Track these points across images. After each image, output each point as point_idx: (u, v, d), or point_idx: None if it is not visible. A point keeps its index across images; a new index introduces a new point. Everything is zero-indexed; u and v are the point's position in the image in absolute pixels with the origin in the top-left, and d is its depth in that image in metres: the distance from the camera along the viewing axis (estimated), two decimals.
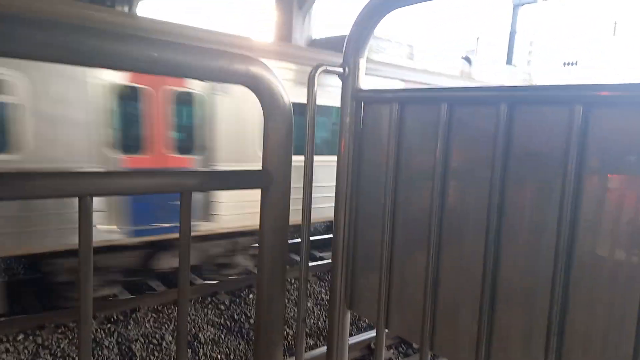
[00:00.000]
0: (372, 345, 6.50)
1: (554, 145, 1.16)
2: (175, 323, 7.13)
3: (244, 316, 7.57)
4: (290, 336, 6.95)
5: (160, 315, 7.39)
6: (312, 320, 7.62)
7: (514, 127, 1.25)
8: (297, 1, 13.98)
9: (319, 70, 1.62)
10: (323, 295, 8.61)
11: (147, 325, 7.06)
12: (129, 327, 6.92)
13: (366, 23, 1.63)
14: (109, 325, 6.90)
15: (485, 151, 1.31)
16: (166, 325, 7.09)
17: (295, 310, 7.75)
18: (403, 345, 6.86)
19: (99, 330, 6.74)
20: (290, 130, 1.56)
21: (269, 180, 1.53)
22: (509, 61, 22.87)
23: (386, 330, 1.67)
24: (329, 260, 9.74)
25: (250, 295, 8.34)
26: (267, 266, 1.61)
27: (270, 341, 1.63)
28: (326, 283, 9.17)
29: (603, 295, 1.11)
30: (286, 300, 8.05)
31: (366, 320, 7.61)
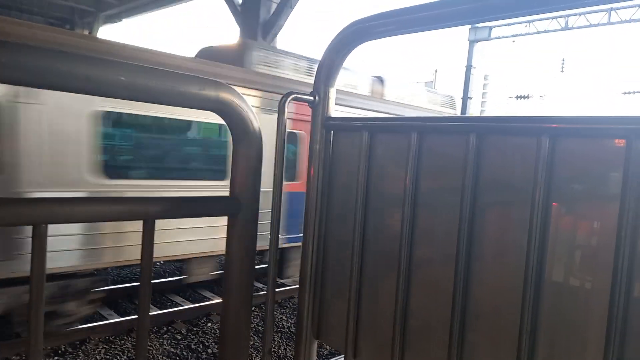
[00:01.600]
0: None
1: (521, 173, 1.20)
2: (129, 354, 6.79)
3: (201, 345, 7.31)
4: None
5: (112, 346, 7.02)
6: (281, 346, 7.44)
7: (483, 156, 1.28)
8: (261, 32, 14.16)
9: (290, 97, 1.62)
10: (284, 323, 8.45)
11: (97, 357, 6.68)
12: None
13: (337, 53, 1.65)
14: (56, 358, 6.49)
15: (455, 179, 1.34)
16: (118, 357, 6.74)
17: (256, 339, 7.56)
18: None
19: None
20: (260, 157, 1.54)
21: (237, 208, 1.49)
22: (465, 93, 23.80)
23: None
24: (290, 287, 9.62)
25: (209, 324, 8.08)
26: (233, 295, 1.56)
27: None
28: (287, 310, 9.02)
29: (571, 319, 1.14)
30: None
31: (328, 347, 7.51)
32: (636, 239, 1.04)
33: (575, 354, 1.14)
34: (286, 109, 1.62)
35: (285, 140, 1.64)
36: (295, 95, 1.64)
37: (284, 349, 7.41)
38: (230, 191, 1.52)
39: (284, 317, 8.70)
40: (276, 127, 1.65)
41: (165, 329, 7.72)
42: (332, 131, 1.71)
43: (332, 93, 1.71)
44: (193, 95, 1.36)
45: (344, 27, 1.63)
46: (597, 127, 1.07)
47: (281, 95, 1.63)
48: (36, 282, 1.15)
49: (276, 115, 1.63)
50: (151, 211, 1.33)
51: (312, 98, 1.68)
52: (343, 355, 1.67)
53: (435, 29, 1.50)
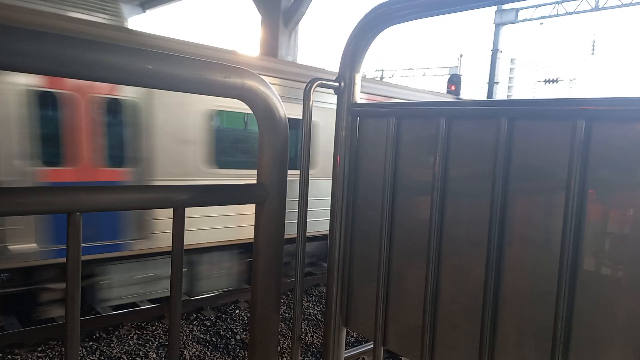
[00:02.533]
0: (366, 358, 6.43)
1: (555, 159, 1.16)
2: (160, 340, 6.97)
3: (230, 332, 7.44)
4: (281, 348, 6.83)
5: (144, 332, 7.22)
6: (308, 334, 7.52)
7: (515, 141, 1.24)
8: (282, 19, 14.09)
9: (315, 84, 1.60)
10: (310, 311, 8.52)
11: (130, 342, 6.88)
12: (112, 345, 6.74)
13: (361, 38, 1.63)
14: (90, 343, 6.72)
15: (485, 165, 1.31)
16: (150, 342, 6.93)
17: (283, 326, 7.65)
18: (399, 357, 6.80)
19: (80, 348, 6.55)
20: (286, 144, 1.53)
21: (265, 195, 1.50)
22: (491, 78, 23.28)
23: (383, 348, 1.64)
24: (316, 275, 9.67)
25: (237, 311, 8.21)
26: (261, 282, 1.57)
27: (265, 357, 1.59)
28: (313, 298, 9.09)
29: (608, 311, 1.10)
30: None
31: (354, 334, 7.54)
32: None
33: (613, 345, 1.11)
34: (312, 96, 1.61)
35: (311, 128, 1.63)
36: (320, 81, 1.62)
37: (311, 335, 7.48)
38: (257, 179, 1.52)
39: (310, 305, 8.77)
40: (302, 114, 1.64)
41: (194, 315, 7.89)
42: (357, 118, 1.70)
43: (358, 79, 1.69)
44: (219, 83, 1.36)
45: (368, 10, 1.60)
46: (636, 108, 1.02)
47: None
48: (72, 269, 1.17)
49: None
50: (180, 199, 1.34)
51: (337, 84, 1.66)
52: (372, 343, 1.67)
53: (461, 10, 1.46)
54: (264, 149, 1.51)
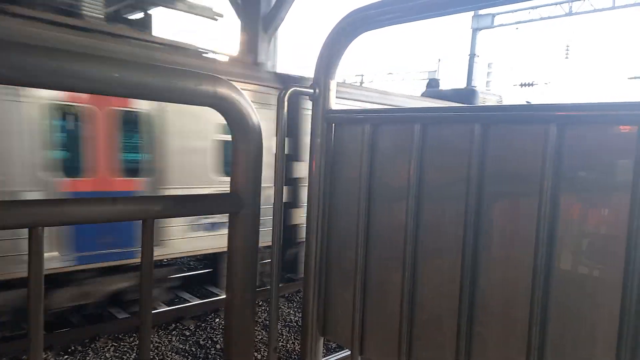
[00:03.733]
0: None
1: (529, 163, 1.16)
2: (138, 352, 6.82)
3: (210, 341, 7.33)
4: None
5: (122, 343, 7.06)
6: (280, 343, 7.45)
7: (489, 146, 1.24)
8: (262, 25, 14.06)
9: (289, 91, 1.58)
10: (292, 317, 8.46)
11: (107, 354, 6.72)
12: (88, 358, 6.57)
13: (336, 44, 1.61)
14: (66, 357, 6.54)
15: (460, 170, 1.30)
16: (127, 354, 6.78)
17: (264, 333, 7.57)
18: None
19: None
20: (260, 153, 1.51)
21: (239, 205, 1.47)
22: (469, 82, 23.62)
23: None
24: (297, 281, 9.61)
25: (217, 320, 8.10)
26: (237, 292, 1.54)
27: None
28: (295, 304, 9.03)
29: (581, 311, 1.11)
30: (257, 323, 7.86)
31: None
32: None
33: (587, 345, 1.12)
34: (286, 103, 1.58)
35: (285, 134, 1.61)
36: (295, 88, 1.60)
37: (292, 343, 7.42)
38: (231, 188, 1.49)
39: (291, 312, 8.71)
40: (276, 121, 1.62)
41: (173, 325, 7.75)
42: (333, 124, 1.68)
43: (333, 85, 1.67)
44: (190, 91, 1.33)
45: (342, 17, 1.59)
46: (606, 113, 1.03)
47: None
48: (34, 285, 1.12)
49: None
50: (151, 211, 1.30)
51: (312, 91, 1.64)
52: (349, 351, 1.65)
53: (437, 16, 1.46)
54: (237, 158, 1.48)
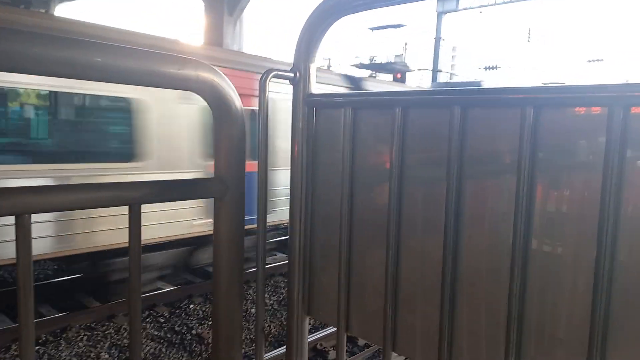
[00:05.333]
0: (319, 345, 6.51)
1: (507, 144, 1.22)
2: (112, 339, 6.75)
3: (185, 327, 7.32)
4: (247, 341, 6.79)
5: (94, 332, 6.96)
6: (266, 324, 7.51)
7: (468, 128, 1.29)
8: (227, 7, 13.76)
9: (270, 75, 1.59)
10: (267, 301, 8.52)
11: (80, 344, 6.62)
12: (60, 348, 6.46)
13: (316, 27, 1.62)
14: (37, 347, 6.41)
15: (440, 152, 1.35)
16: (101, 343, 6.69)
17: (251, 313, 7.61)
18: (356, 341, 6.92)
19: None
20: (243, 137, 1.52)
21: (223, 189, 1.48)
22: (435, 66, 23.91)
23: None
24: (284, 262, 9.66)
25: (192, 306, 8.08)
26: (224, 277, 1.56)
27: (230, 353, 1.58)
28: (269, 288, 9.08)
29: (557, 287, 1.18)
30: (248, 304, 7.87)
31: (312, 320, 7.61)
32: (619, 204, 1.07)
33: (564, 314, 1.19)
34: (267, 87, 1.59)
35: (267, 119, 1.62)
36: (275, 72, 1.61)
37: (269, 325, 7.49)
38: (215, 172, 1.50)
39: (267, 295, 8.77)
40: (258, 106, 1.62)
41: (147, 312, 7.69)
42: (314, 108, 1.70)
43: (313, 69, 1.69)
44: (171, 75, 1.32)
45: (322, 0, 1.60)
46: (580, 96, 1.09)
47: None
48: (23, 274, 1.11)
49: None
50: (136, 196, 1.30)
51: (292, 75, 1.65)
52: (333, 328, 1.69)
53: (414, 0, 1.50)
54: (220, 142, 1.49)
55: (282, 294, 8.76)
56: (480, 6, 23.00)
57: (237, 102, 1.48)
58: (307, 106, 1.70)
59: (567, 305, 1.17)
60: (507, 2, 22.18)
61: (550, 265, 1.19)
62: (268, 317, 7.81)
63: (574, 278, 1.16)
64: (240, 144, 1.51)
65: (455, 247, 1.34)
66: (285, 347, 1.85)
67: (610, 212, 1.07)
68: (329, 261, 1.70)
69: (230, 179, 1.49)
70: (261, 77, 1.58)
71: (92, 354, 6.40)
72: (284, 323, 7.43)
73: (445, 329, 1.38)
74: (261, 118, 1.61)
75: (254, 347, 6.17)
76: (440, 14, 24.18)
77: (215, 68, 1.43)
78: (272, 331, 7.37)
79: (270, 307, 8.20)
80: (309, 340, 5.70)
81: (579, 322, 1.15)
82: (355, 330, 1.64)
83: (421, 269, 1.45)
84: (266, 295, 8.76)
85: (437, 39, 24.48)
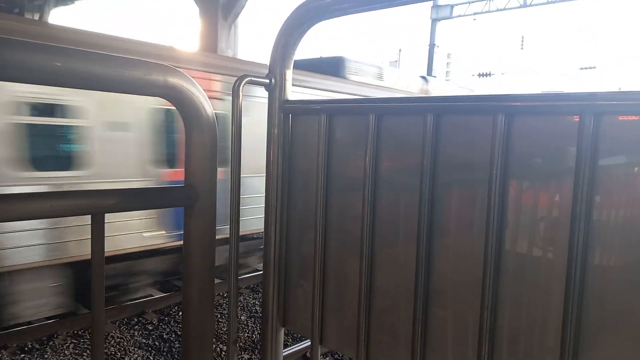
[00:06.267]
0: (308, 355, 6.44)
1: (479, 152, 1.20)
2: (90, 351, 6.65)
3: (174, 335, 7.23)
4: (222, 352, 6.73)
5: (81, 340, 6.87)
6: (246, 334, 7.43)
7: (441, 136, 1.27)
8: (221, 12, 13.74)
9: (244, 81, 1.56)
10: (257, 308, 8.45)
11: (66, 352, 6.53)
12: (46, 356, 6.37)
13: (292, 33, 1.60)
14: (22, 356, 6.31)
15: (414, 159, 1.32)
16: (88, 351, 6.60)
17: (227, 324, 7.52)
18: (339, 353, 6.87)
19: None
20: (215, 143, 1.48)
21: (194, 197, 1.44)
22: (429, 72, 23.99)
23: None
24: (260, 272, 9.58)
25: (181, 313, 7.99)
26: (194, 286, 1.52)
27: None
28: (259, 295, 9.01)
29: (530, 292, 1.16)
30: (217, 315, 7.80)
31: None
32: (591, 211, 1.05)
33: (537, 321, 1.16)
34: (241, 93, 1.56)
35: (241, 125, 1.59)
36: (250, 78, 1.58)
37: (259, 333, 7.41)
38: (186, 180, 1.46)
39: (257, 302, 8.70)
40: (231, 111, 1.59)
41: (136, 320, 7.60)
42: (290, 114, 1.67)
43: (289, 75, 1.66)
44: (139, 80, 1.29)
45: (298, 5, 1.57)
46: (550, 104, 1.07)
47: None
48: None
49: None
50: (101, 205, 1.26)
51: (267, 81, 1.63)
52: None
53: (394, 6, 1.47)
54: (191, 149, 1.45)
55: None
56: (475, 13, 23.15)
57: (208, 107, 1.45)
58: (283, 112, 1.67)
59: (539, 313, 1.15)
60: (501, 10, 22.34)
61: (523, 273, 1.17)
62: (257, 325, 7.74)
63: (547, 285, 1.13)
64: (212, 150, 1.48)
65: (428, 256, 1.32)
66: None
67: (581, 218, 1.05)
68: (304, 271, 1.67)
69: (201, 187, 1.46)
70: (235, 83, 1.55)
71: None
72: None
73: (418, 338, 1.34)
74: (234, 123, 1.58)
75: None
76: (434, 21, 24.32)
77: (185, 73, 1.40)
78: (257, 339, 7.30)
79: (260, 315, 8.13)
80: (298, 349, 5.61)
81: (552, 330, 1.13)
82: (330, 342, 1.60)
83: (395, 278, 1.42)
84: (256, 302, 8.69)
85: (431, 46, 24.60)
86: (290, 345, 6.70)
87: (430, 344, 1.36)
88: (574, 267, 1.08)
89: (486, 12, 22.80)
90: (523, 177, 1.16)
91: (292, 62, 1.66)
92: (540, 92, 1.10)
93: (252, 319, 8.02)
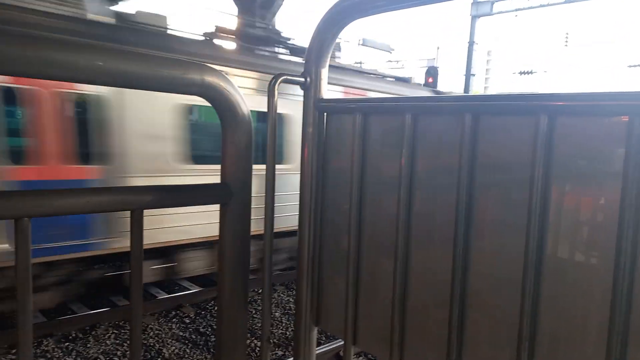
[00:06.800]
0: (341, 354, 6.43)
1: (519, 153, 1.15)
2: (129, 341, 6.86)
3: (210, 329, 7.38)
4: (256, 348, 6.81)
5: (122, 331, 7.11)
6: (280, 331, 7.50)
7: (479, 136, 1.23)
8: (259, 11, 13.90)
9: (280, 79, 1.56)
10: (291, 305, 8.51)
11: (107, 342, 6.77)
12: (89, 345, 6.62)
13: (327, 32, 1.59)
14: (67, 344, 6.58)
15: (451, 160, 1.29)
16: (128, 342, 6.82)
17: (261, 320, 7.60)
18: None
19: (56, 349, 6.41)
20: (250, 141, 1.50)
21: (229, 195, 1.46)
22: (468, 70, 23.47)
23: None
24: (294, 270, 9.63)
25: (217, 307, 8.14)
26: (228, 284, 1.54)
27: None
28: (294, 292, 9.07)
29: (572, 299, 1.11)
30: (252, 311, 7.90)
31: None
32: (639, 217, 0.99)
33: (579, 328, 1.12)
34: (276, 91, 1.57)
35: (276, 123, 1.59)
36: (285, 77, 1.58)
37: (292, 330, 7.46)
38: (221, 178, 1.48)
39: (290, 300, 8.76)
40: (267, 109, 1.60)
41: (173, 313, 7.80)
42: (325, 113, 1.66)
43: (324, 74, 1.65)
44: (177, 79, 1.31)
45: (333, 4, 1.56)
46: (597, 104, 1.02)
47: None
48: (22, 277, 1.12)
49: None
50: (139, 201, 1.29)
51: (303, 79, 1.62)
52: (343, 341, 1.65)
53: (430, 3, 1.44)
54: (227, 147, 1.47)
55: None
56: (516, 9, 22.47)
57: (244, 106, 1.46)
58: (318, 111, 1.66)
59: (582, 320, 1.10)
60: (544, 6, 21.60)
61: (566, 280, 1.12)
62: (291, 323, 7.79)
63: (590, 292, 1.08)
64: (247, 149, 1.49)
65: (465, 257, 1.28)
66: (292, 358, 1.81)
67: (630, 223, 0.99)
68: (338, 270, 1.66)
69: (236, 185, 1.47)
70: (270, 82, 1.56)
71: (118, 352, 6.53)
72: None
73: (454, 343, 1.31)
74: (270, 121, 1.59)
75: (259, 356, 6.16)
76: (474, 18, 23.75)
77: (222, 72, 1.42)
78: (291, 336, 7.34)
79: (294, 313, 8.18)
80: (330, 348, 5.60)
81: (595, 337, 1.08)
82: (363, 343, 1.59)
83: (430, 280, 1.39)
84: (290, 299, 8.75)
85: (471, 43, 24.05)
86: (324, 343, 6.71)
87: (466, 348, 1.32)
88: (621, 274, 1.02)
89: (528, 8, 22.08)
90: (566, 180, 1.11)
91: (328, 60, 1.65)
92: (585, 91, 1.04)
93: (286, 316, 8.08)
